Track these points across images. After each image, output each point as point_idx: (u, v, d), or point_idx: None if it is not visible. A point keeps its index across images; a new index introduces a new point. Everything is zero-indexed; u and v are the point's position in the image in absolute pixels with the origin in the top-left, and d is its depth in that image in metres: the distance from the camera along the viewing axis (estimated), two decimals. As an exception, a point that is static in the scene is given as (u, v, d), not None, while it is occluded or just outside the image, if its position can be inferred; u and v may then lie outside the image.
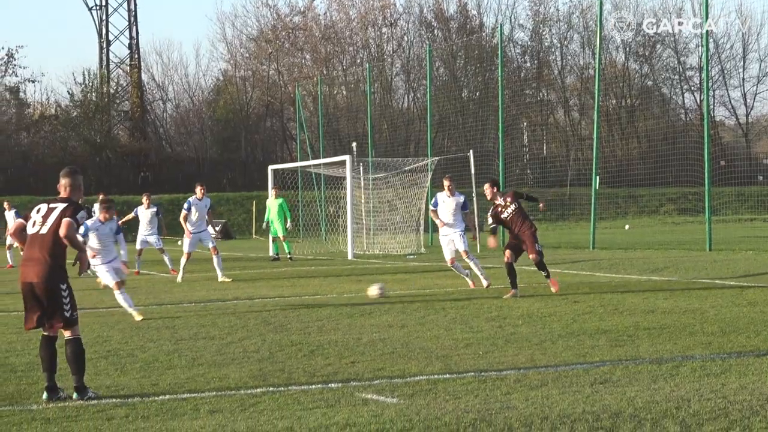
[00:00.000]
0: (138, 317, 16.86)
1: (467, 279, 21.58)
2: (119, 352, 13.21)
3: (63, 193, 10.72)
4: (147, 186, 74.04)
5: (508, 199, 20.08)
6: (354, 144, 47.71)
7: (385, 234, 40.22)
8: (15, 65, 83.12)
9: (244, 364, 12.02)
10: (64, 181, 10.76)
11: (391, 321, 15.99)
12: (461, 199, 21.65)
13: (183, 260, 25.65)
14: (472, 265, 21.28)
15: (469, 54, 77.64)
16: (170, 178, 78.94)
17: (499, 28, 44.79)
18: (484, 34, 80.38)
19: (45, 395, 10.21)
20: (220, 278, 25.15)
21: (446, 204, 21.56)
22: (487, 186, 20.53)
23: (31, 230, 10.46)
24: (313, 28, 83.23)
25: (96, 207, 19.66)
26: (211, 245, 25.44)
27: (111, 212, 18.23)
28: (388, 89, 79.71)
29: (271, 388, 10.48)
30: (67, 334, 10.43)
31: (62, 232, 10.33)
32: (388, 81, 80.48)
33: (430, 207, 22.19)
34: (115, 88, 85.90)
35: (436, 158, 41.36)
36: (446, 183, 21.59)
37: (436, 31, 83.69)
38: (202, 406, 9.74)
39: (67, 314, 10.37)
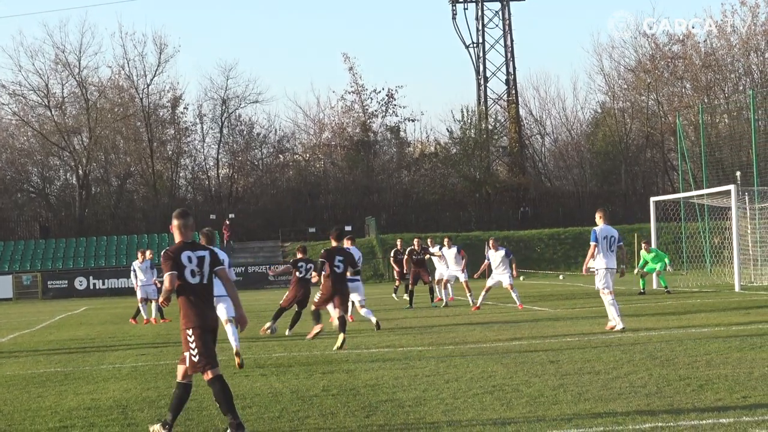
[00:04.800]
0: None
1: None
2: (504, 387, 13.27)
3: (189, 236, 11.16)
4: (526, 222, 74.86)
5: None
6: (738, 173, 46.16)
7: (774, 265, 38.65)
8: (395, 105, 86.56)
9: (632, 399, 11.79)
10: (192, 223, 11.22)
11: (784, 355, 15.27)
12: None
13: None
14: None
15: None
16: (549, 212, 79.36)
17: None
18: None
19: None
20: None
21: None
22: None
23: (193, 280, 10.91)
24: (693, 56, 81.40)
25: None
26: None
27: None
28: (773, 115, 76.67)
29: (659, 424, 10.22)
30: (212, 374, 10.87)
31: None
32: (773, 106, 77.42)
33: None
34: (493, 124, 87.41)
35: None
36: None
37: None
38: (590, 440, 9.64)
39: None
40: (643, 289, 35.09)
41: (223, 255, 17.17)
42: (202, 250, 11.02)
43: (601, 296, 21.27)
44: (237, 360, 16.83)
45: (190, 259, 10.86)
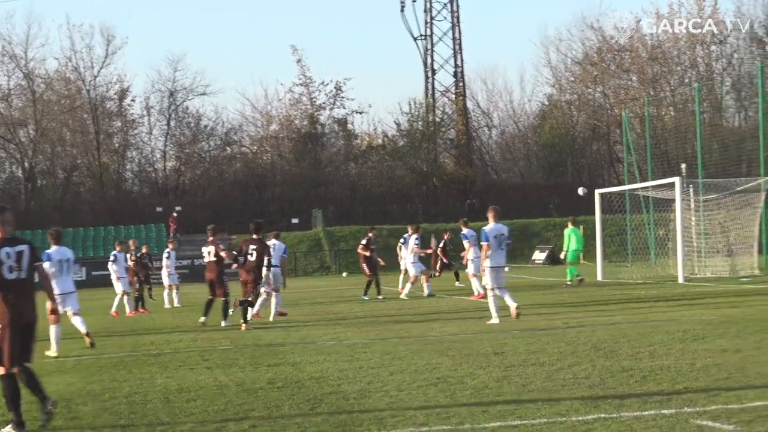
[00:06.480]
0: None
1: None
2: (449, 379, 13.32)
3: (8, 231, 11.18)
4: (473, 214, 75.03)
5: None
6: (683, 165, 46.51)
7: (716, 256, 39.03)
8: (343, 98, 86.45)
9: (575, 391, 11.87)
10: (9, 218, 11.25)
11: (725, 345, 15.44)
12: None
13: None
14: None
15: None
16: (496, 204, 79.48)
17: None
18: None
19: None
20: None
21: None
22: None
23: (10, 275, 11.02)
24: (640, 49, 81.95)
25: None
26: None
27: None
28: (718, 108, 77.35)
29: (603, 415, 10.28)
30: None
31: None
32: (718, 100, 78.13)
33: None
34: (440, 116, 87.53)
35: (770, 178, 39.70)
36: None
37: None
38: (533, 432, 9.68)
39: None
40: (578, 275, 35.61)
41: (69, 254, 19.30)
42: (21, 245, 11.12)
43: (488, 294, 21.85)
44: (88, 340, 19.58)
45: (8, 255, 10.95)
